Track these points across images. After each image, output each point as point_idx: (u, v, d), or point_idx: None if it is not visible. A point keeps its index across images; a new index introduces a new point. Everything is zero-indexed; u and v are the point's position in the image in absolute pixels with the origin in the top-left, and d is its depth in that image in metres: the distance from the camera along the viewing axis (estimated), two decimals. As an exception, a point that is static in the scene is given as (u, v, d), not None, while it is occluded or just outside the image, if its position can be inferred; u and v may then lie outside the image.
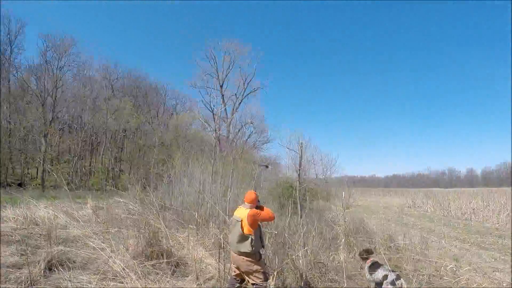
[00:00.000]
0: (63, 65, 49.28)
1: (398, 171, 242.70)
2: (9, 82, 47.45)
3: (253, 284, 6.74)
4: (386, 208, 34.89)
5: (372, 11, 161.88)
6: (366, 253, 8.86)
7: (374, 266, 8.46)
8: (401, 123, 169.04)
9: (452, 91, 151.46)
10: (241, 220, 6.82)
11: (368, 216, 19.24)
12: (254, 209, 6.97)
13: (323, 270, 8.51)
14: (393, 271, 8.00)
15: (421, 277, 8.85)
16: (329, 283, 8.15)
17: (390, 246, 11.15)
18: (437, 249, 11.85)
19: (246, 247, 6.70)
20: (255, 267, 6.74)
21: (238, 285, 7.09)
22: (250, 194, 7.20)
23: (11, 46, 47.28)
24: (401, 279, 7.74)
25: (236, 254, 6.84)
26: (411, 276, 8.98)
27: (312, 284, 7.88)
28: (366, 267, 8.61)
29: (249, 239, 6.73)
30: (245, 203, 7.12)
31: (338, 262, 9.37)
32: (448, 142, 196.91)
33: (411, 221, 22.80)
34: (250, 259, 6.73)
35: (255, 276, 6.72)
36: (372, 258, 8.74)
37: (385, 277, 7.87)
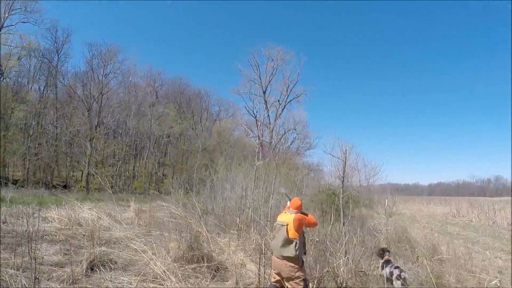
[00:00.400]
0: (109, 72, 50.36)
1: (442, 179, 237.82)
2: (56, 88, 48.51)
3: None
4: (429, 217, 34.30)
5: (426, 9, 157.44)
6: (382, 251, 9.50)
7: (387, 263, 9.15)
8: (446, 129, 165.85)
9: (498, 95, 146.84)
10: (287, 224, 6.81)
11: (411, 225, 18.95)
12: (300, 214, 6.98)
13: (364, 279, 8.39)
14: (396, 267, 8.76)
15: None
16: (369, 293, 8.04)
17: (433, 256, 10.94)
18: (481, 261, 11.55)
19: (290, 251, 6.65)
20: (297, 273, 6.68)
21: None
22: (296, 201, 7.24)
23: (58, 55, 48.43)
24: (403, 272, 8.64)
25: (278, 259, 6.78)
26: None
27: (352, 293, 7.79)
28: (380, 263, 9.34)
29: (294, 243, 6.70)
30: (290, 208, 7.14)
31: (380, 271, 9.24)
32: (495, 149, 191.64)
33: (455, 230, 22.31)
34: (293, 264, 6.67)
35: (295, 283, 6.65)
36: (386, 257, 9.35)
37: (391, 273, 8.68)
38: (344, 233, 9.12)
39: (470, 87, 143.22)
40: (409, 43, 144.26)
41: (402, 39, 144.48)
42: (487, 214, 33.82)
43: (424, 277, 9.29)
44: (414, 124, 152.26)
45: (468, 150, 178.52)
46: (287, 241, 6.74)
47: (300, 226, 6.88)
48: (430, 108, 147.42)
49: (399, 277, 8.52)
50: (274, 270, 7.02)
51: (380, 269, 9.31)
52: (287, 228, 6.80)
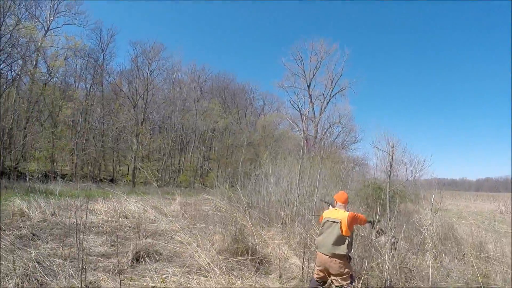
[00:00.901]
0: (153, 69, 50.50)
1: (490, 174, 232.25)
2: (102, 86, 49.32)
3: (339, 286, 6.64)
4: (476, 214, 33.60)
5: None
6: (375, 223, 9.37)
7: (379, 233, 9.84)
8: (495, 122, 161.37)
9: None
10: (340, 222, 6.76)
11: (457, 221, 18.57)
12: (352, 212, 6.95)
13: (409, 276, 8.28)
14: (393, 237, 9.01)
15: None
16: (414, 290, 7.92)
17: (480, 254, 10.72)
18: (529, 261, 11.26)
19: (342, 249, 6.65)
20: (346, 269, 6.67)
21: None
22: (343, 194, 7.33)
23: (103, 54, 49.28)
24: (398, 242, 8.91)
25: (327, 256, 6.72)
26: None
27: (396, 290, 7.69)
28: (373, 232, 9.70)
29: (347, 241, 6.71)
30: (338, 203, 7.17)
31: (424, 268, 9.09)
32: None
33: (503, 228, 21.73)
34: (342, 261, 6.66)
35: (343, 279, 6.63)
36: (379, 227, 9.81)
37: (387, 241, 8.88)
38: (390, 228, 9.00)
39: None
40: (464, 28, 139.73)
41: (455, 24, 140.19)
42: (538, 212, 32.91)
43: (470, 275, 9.11)
44: (462, 116, 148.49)
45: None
46: (341, 239, 6.71)
47: (353, 224, 6.92)
48: (479, 100, 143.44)
49: (394, 244, 8.67)
50: (319, 266, 6.94)
51: (373, 236, 9.54)
52: (340, 225, 6.76)
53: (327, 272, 6.82)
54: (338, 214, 6.92)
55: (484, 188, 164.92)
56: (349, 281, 6.60)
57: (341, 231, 6.70)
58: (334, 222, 6.83)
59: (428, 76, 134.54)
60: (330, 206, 7.46)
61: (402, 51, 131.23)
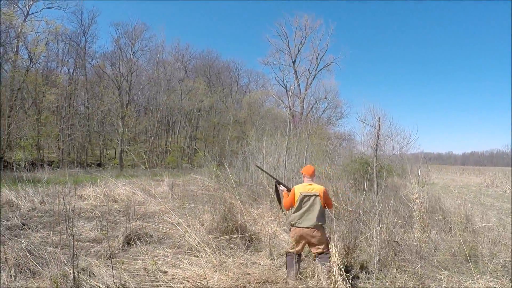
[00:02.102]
0: (136, 50, 50.26)
1: (476, 148, 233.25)
2: (85, 70, 48.66)
3: (319, 253, 6.89)
4: (462, 187, 33.82)
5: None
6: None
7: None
8: (481, 97, 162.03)
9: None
10: (319, 195, 7.02)
11: (444, 195, 18.71)
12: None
13: (397, 249, 8.38)
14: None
15: (496, 261, 8.57)
16: (402, 263, 8.02)
17: (466, 227, 10.86)
18: (514, 232, 11.41)
19: (323, 220, 7.07)
20: (325, 237, 7.01)
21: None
22: (310, 168, 7.56)
23: (85, 37, 48.63)
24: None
25: (311, 229, 6.88)
26: (486, 260, 8.74)
27: (385, 263, 7.78)
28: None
29: (325, 212, 7.28)
30: (307, 176, 7.43)
31: (412, 241, 9.19)
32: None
33: (488, 201, 21.96)
34: (321, 231, 6.95)
35: (325, 246, 6.93)
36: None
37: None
38: (377, 202, 9.07)
39: (505, 53, 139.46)
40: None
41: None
42: (522, 185, 33.05)
43: (457, 248, 9.24)
44: (448, 91, 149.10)
45: (502, 119, 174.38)
46: (322, 211, 7.03)
47: (327, 197, 7.22)
48: (465, 75, 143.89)
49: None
50: (298, 240, 7.09)
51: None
52: (320, 198, 7.02)
53: (308, 244, 7.05)
54: (314, 188, 7.17)
55: (469, 162, 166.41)
56: (327, 248, 6.92)
57: (322, 203, 7.04)
58: (314, 195, 7.04)
59: (414, 49, 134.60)
60: (267, 174, 7.80)
61: (386, 25, 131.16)
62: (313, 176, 7.44)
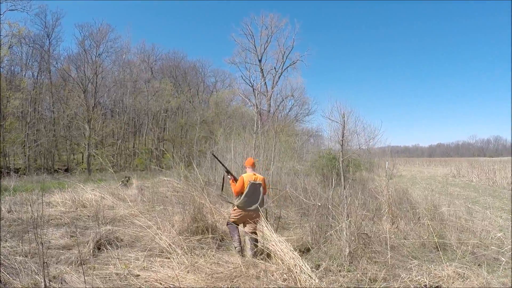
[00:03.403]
0: (102, 52, 49.63)
1: (442, 140, 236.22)
2: (50, 73, 48.07)
3: (252, 232, 8.38)
4: (430, 178, 34.25)
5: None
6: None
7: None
8: (445, 90, 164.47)
9: (496, 56, 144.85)
10: (262, 184, 8.63)
11: (411, 186, 18.99)
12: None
13: (367, 241, 8.49)
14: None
15: (465, 248, 8.75)
16: (373, 254, 8.13)
17: (434, 216, 11.03)
18: (481, 220, 11.63)
19: (263, 204, 8.67)
20: (260, 219, 8.50)
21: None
22: (251, 159, 9.09)
23: (49, 39, 47.84)
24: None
25: (254, 212, 8.39)
26: (455, 247, 8.92)
27: (356, 255, 7.88)
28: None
29: (264, 198, 8.80)
30: (249, 167, 8.94)
31: (382, 233, 9.32)
32: (494, 110, 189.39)
33: (455, 191, 22.32)
34: (260, 213, 8.43)
35: (256, 225, 8.53)
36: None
37: None
38: (346, 196, 9.18)
39: (471, 47, 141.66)
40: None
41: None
42: (487, 174, 33.49)
43: (426, 237, 9.43)
44: (413, 85, 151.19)
45: (467, 111, 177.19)
46: (263, 197, 8.56)
47: (265, 185, 8.90)
48: (429, 69, 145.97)
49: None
50: (243, 219, 8.54)
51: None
52: (263, 186, 8.66)
53: (244, 222, 8.58)
54: (258, 177, 8.63)
55: (436, 154, 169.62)
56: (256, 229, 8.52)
57: (265, 190, 8.75)
58: (258, 184, 8.52)
59: (378, 45, 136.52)
60: (220, 163, 9.67)
61: (351, 23, 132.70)
62: (254, 167, 8.97)
